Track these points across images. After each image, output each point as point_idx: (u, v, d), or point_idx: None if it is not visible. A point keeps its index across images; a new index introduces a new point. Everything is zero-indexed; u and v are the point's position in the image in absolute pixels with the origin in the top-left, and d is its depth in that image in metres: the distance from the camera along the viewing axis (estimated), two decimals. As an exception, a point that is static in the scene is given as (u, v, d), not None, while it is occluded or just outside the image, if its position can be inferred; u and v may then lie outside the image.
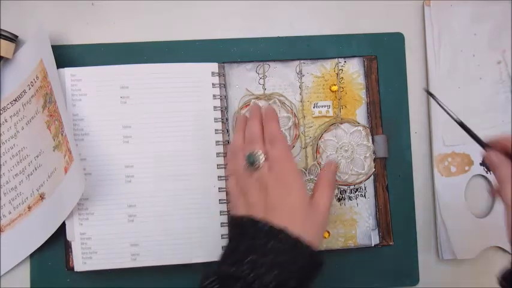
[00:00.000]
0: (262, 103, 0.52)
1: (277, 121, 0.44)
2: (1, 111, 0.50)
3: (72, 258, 0.48)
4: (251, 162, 0.41)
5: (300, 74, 0.53)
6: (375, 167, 0.52)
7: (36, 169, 0.49)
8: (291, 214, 0.38)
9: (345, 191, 0.52)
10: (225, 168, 0.50)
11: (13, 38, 0.50)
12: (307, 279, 0.38)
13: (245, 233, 0.38)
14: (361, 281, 0.52)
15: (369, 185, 0.52)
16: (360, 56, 0.53)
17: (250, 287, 0.35)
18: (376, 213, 0.52)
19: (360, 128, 0.52)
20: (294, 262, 0.36)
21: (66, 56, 0.50)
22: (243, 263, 0.36)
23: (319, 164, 0.52)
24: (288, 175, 0.40)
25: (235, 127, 0.49)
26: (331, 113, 0.52)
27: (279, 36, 0.53)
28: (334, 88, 0.53)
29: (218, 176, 0.49)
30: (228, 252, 0.39)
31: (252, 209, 0.40)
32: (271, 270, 0.35)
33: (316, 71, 0.53)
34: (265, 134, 0.43)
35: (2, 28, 0.49)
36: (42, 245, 0.49)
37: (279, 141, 0.42)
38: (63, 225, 0.48)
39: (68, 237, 0.48)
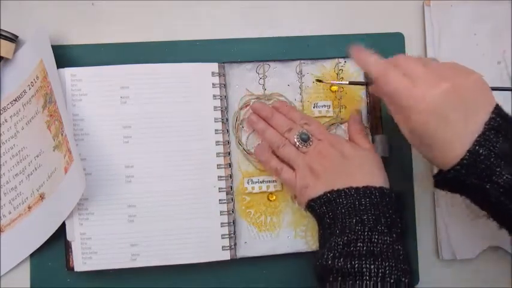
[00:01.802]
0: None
1: (296, 109, 0.51)
2: (1, 111, 0.50)
3: (72, 258, 0.48)
4: (305, 139, 0.47)
5: (300, 74, 0.53)
6: (375, 167, 0.52)
7: (36, 169, 0.49)
8: (361, 170, 0.44)
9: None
10: (224, 168, 0.50)
11: (13, 38, 0.50)
12: (402, 214, 0.43)
13: (337, 202, 0.42)
14: (361, 281, 0.52)
15: (369, 185, 0.52)
16: (360, 56, 0.53)
17: (369, 247, 0.38)
18: (376, 213, 0.52)
19: (360, 128, 0.52)
20: (389, 207, 0.41)
21: (66, 56, 0.50)
22: (352, 229, 0.39)
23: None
24: (337, 140, 0.47)
25: (255, 126, 0.50)
26: (331, 113, 0.52)
27: (279, 36, 0.53)
28: (334, 88, 0.53)
29: (218, 176, 0.49)
30: (333, 227, 0.42)
31: (323, 177, 0.45)
32: (377, 221, 0.40)
33: (316, 71, 0.53)
34: (294, 121, 0.49)
35: (2, 28, 0.49)
36: (42, 245, 0.49)
37: (310, 119, 0.50)
38: (63, 225, 0.48)
39: (68, 237, 0.48)
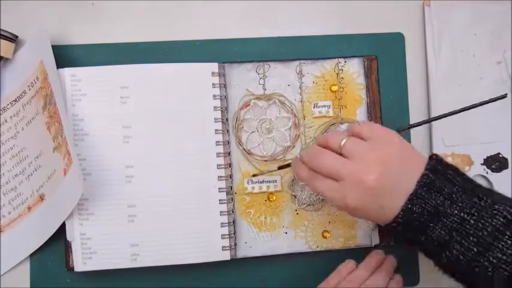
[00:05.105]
0: (262, 103, 0.52)
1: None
2: (1, 112, 0.50)
3: (72, 258, 0.48)
4: None
5: (300, 74, 0.53)
6: (375, 167, 0.52)
7: (36, 170, 0.49)
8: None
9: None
10: (224, 168, 0.50)
11: (13, 38, 0.50)
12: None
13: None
14: (361, 281, 0.52)
15: (369, 185, 0.52)
16: (360, 56, 0.53)
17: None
18: (376, 213, 0.52)
19: (360, 128, 0.52)
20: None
21: (66, 56, 0.50)
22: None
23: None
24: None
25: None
26: (331, 113, 0.52)
27: (279, 36, 0.53)
28: (334, 88, 0.53)
29: (218, 176, 0.49)
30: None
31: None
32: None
33: (316, 71, 0.53)
34: None
35: (2, 28, 0.49)
36: (42, 245, 0.49)
37: None
38: (63, 225, 0.48)
39: (68, 238, 0.48)
